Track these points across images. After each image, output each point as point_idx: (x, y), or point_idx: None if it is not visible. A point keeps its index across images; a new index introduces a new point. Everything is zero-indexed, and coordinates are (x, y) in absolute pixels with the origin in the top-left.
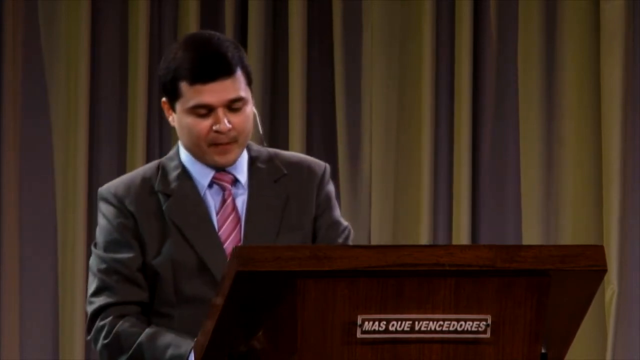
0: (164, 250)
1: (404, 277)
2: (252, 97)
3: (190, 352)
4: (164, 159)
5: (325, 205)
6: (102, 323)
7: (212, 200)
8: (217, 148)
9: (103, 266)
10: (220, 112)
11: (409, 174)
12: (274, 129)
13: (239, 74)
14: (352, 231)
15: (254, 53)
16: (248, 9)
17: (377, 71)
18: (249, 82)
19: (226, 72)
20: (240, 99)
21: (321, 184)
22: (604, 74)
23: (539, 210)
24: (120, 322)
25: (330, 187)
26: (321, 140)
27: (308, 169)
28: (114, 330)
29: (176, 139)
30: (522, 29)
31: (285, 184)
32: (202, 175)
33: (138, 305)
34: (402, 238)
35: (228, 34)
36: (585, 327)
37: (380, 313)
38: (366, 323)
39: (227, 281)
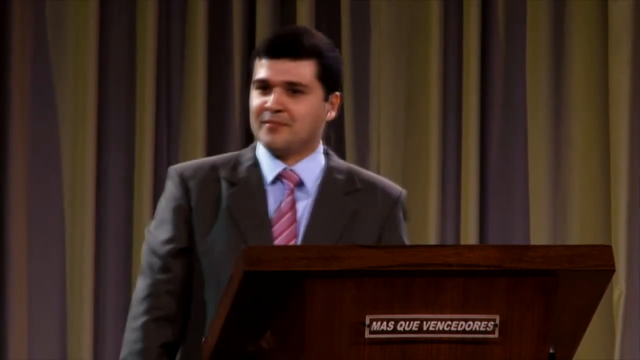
0: (212, 238)
1: (412, 277)
2: (335, 100)
3: None
4: (242, 150)
5: (391, 227)
6: (135, 319)
7: (274, 196)
8: (266, 125)
9: (149, 245)
10: (277, 91)
11: (416, 174)
12: None
13: (310, 63)
14: None
15: None
16: (256, 8)
17: (385, 71)
18: (330, 84)
19: (292, 53)
20: (299, 85)
21: (393, 209)
22: (612, 73)
23: (547, 210)
24: (147, 327)
25: (401, 215)
26: (329, 140)
27: (382, 192)
28: (141, 334)
29: (184, 139)
30: (530, 28)
31: (356, 199)
32: (270, 169)
33: (170, 294)
34: (410, 238)
35: (236, 33)
36: (593, 327)
37: (388, 313)
38: (374, 323)
39: (235, 281)
